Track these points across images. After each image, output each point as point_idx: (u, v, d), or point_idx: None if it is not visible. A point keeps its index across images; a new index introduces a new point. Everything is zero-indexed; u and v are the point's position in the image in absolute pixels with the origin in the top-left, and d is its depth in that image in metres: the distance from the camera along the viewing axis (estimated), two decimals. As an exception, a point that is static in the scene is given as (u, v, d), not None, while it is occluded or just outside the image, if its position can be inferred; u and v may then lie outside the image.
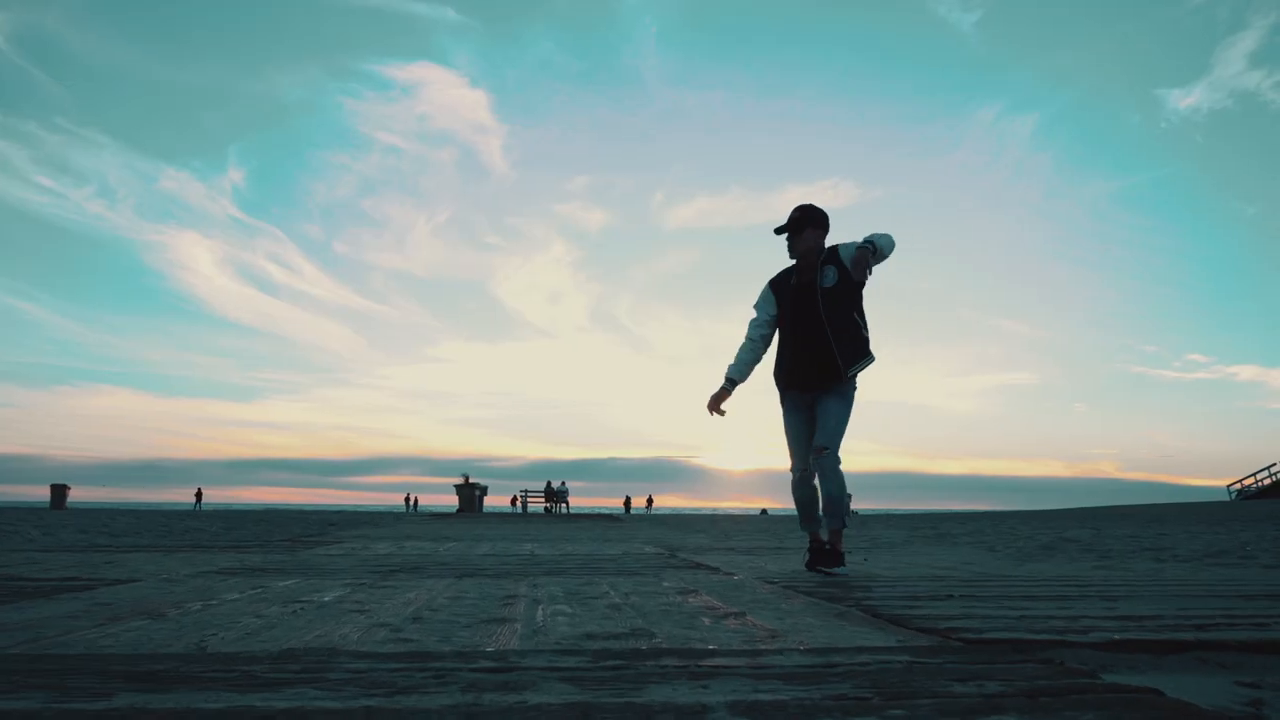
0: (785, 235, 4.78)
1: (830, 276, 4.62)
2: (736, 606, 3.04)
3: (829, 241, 4.76)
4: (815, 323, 4.58)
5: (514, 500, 53.51)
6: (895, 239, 4.58)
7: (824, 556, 4.55)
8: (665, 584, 3.96)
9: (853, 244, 4.61)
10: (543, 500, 44.41)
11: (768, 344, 4.90)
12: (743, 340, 4.91)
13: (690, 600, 3.27)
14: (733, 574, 4.61)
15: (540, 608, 2.98)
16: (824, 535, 4.69)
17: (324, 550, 6.92)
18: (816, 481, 4.59)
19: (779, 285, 4.86)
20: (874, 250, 4.47)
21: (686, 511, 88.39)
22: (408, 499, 65.89)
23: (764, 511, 66.58)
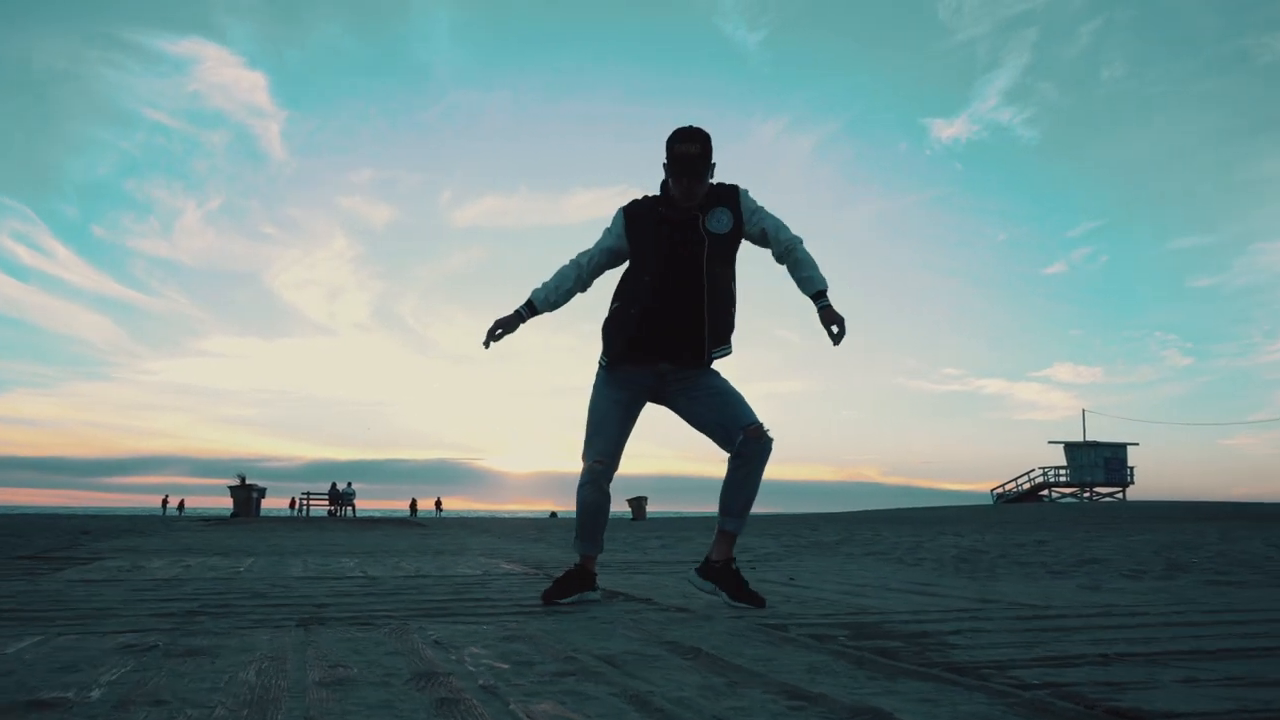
0: (685, 173, 3.42)
1: (724, 220, 3.52)
2: (813, 685, 1.83)
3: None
4: (693, 278, 3.45)
5: (292, 503, 49.93)
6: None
7: (739, 584, 3.48)
8: (624, 631, 2.69)
9: (762, 210, 3.59)
10: (326, 503, 41.49)
11: (591, 279, 3.71)
12: (566, 264, 3.71)
13: (733, 681, 2.02)
14: (684, 608, 3.39)
15: (519, 710, 1.66)
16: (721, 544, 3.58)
17: (80, 573, 5.15)
18: (746, 471, 3.49)
19: (638, 215, 3.60)
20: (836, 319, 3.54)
21: (474, 514, 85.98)
22: (165, 501, 60.05)
23: (553, 514, 65.45)
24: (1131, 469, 53.24)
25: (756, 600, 3.42)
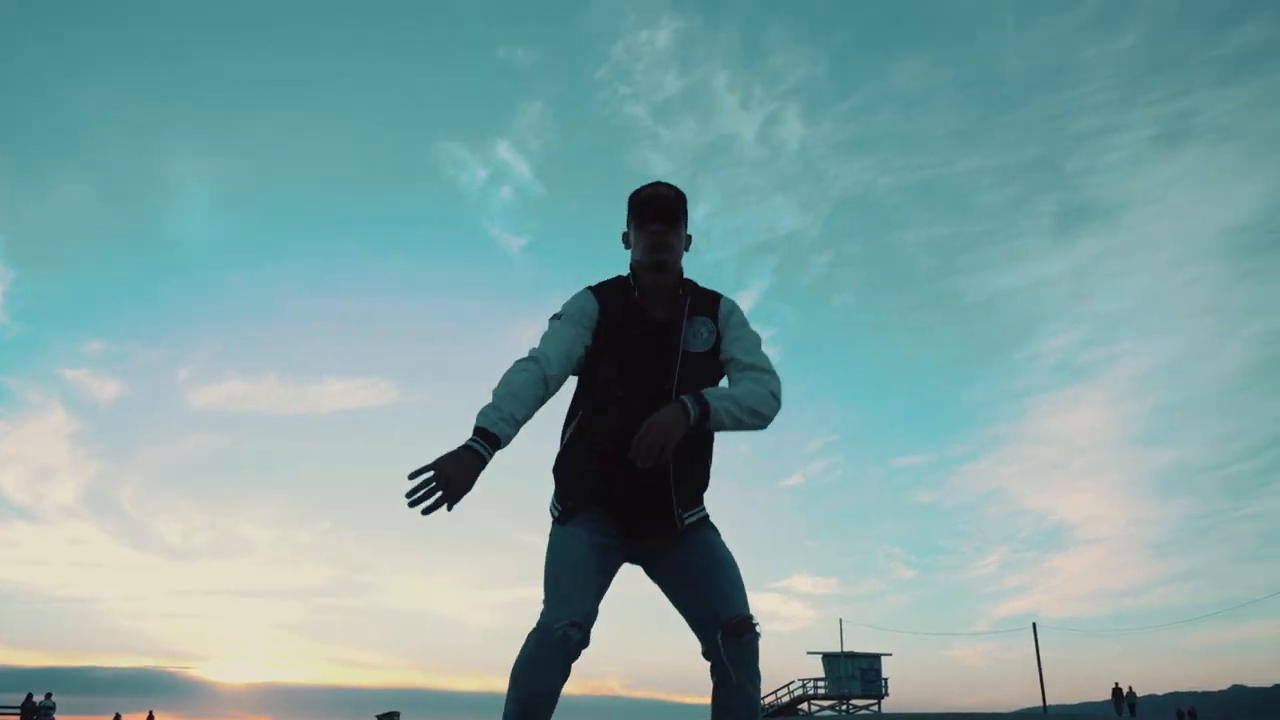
0: (657, 217, 2.67)
1: (704, 336, 2.70)
2: None
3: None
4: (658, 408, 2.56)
5: (-33, 720, 41.98)
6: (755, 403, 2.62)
7: None
8: None
9: (742, 326, 2.75)
10: (18, 718, 35.16)
11: (556, 387, 2.62)
12: (515, 365, 2.57)
13: None
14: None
15: None
16: None
17: None
18: (728, 689, 2.52)
19: (610, 300, 2.72)
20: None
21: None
22: None
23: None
24: (885, 680, 54.50)
25: None
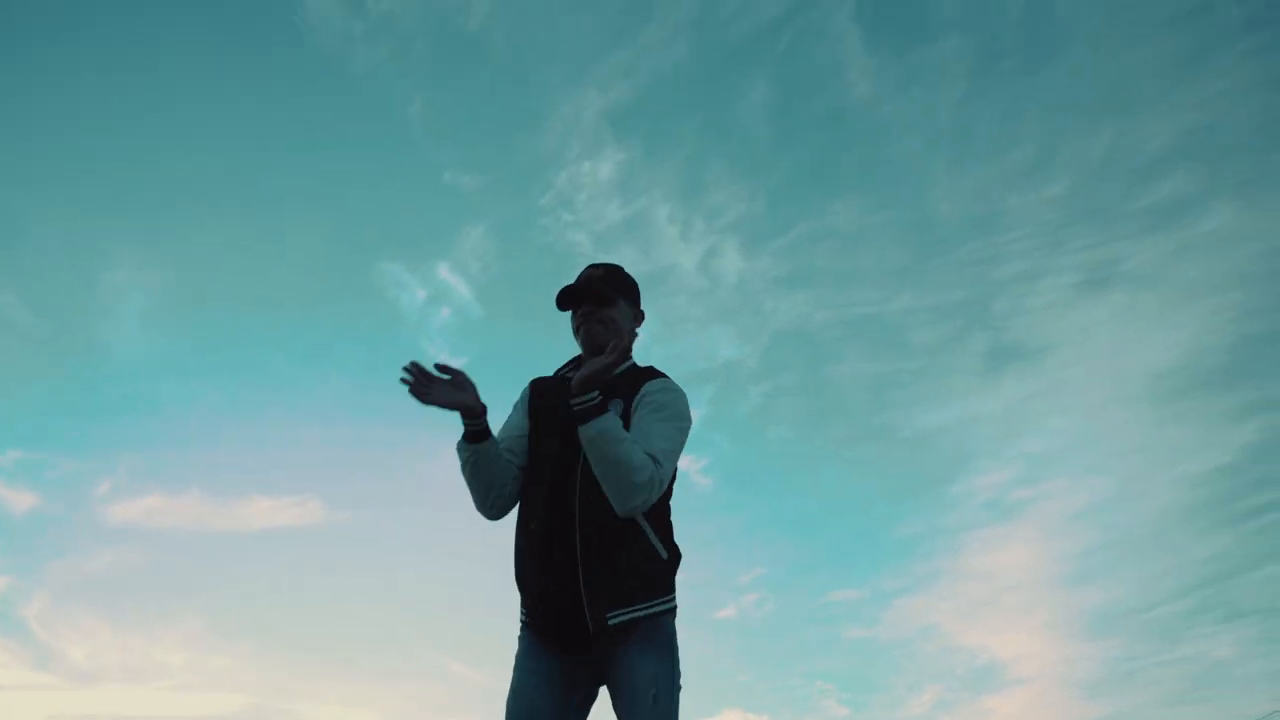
0: (581, 297, 2.51)
1: (611, 414, 2.32)
2: None
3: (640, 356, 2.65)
4: (565, 499, 2.33)
5: None
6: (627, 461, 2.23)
7: None
8: None
9: (654, 407, 2.40)
10: None
11: (513, 468, 2.49)
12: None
13: None
14: None
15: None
16: None
17: None
18: None
19: (547, 384, 2.61)
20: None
21: None
22: None
23: None
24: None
25: None
